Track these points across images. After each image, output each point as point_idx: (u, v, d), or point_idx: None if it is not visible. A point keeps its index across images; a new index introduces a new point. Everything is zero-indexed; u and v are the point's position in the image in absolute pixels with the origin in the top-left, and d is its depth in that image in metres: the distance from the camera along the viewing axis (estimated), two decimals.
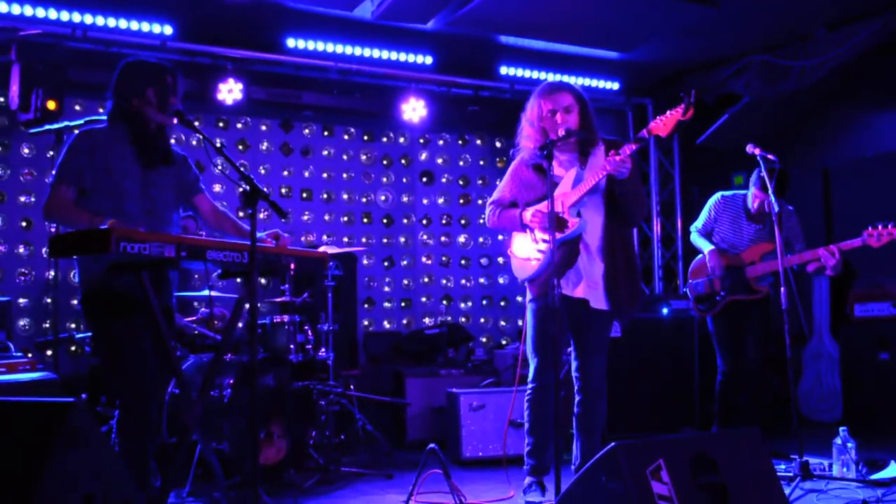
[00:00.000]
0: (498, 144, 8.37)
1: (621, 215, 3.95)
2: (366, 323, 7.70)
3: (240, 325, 4.54)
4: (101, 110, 6.47)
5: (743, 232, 5.26)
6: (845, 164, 7.29)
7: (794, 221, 5.19)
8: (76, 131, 3.52)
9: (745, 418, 5.23)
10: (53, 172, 3.42)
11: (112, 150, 3.43)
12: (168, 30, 6.01)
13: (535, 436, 4.01)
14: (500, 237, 7.90)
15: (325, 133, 7.74)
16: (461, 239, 8.19)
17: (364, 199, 7.85)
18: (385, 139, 7.97)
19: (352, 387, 6.05)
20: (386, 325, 7.83)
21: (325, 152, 7.72)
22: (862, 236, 4.69)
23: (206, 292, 5.55)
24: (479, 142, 8.36)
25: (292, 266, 3.85)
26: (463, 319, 8.08)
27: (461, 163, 8.26)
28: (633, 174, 3.81)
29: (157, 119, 3.50)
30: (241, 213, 6.95)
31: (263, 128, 7.48)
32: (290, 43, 6.37)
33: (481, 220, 4.11)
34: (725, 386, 5.32)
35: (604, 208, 3.92)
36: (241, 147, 7.35)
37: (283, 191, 7.50)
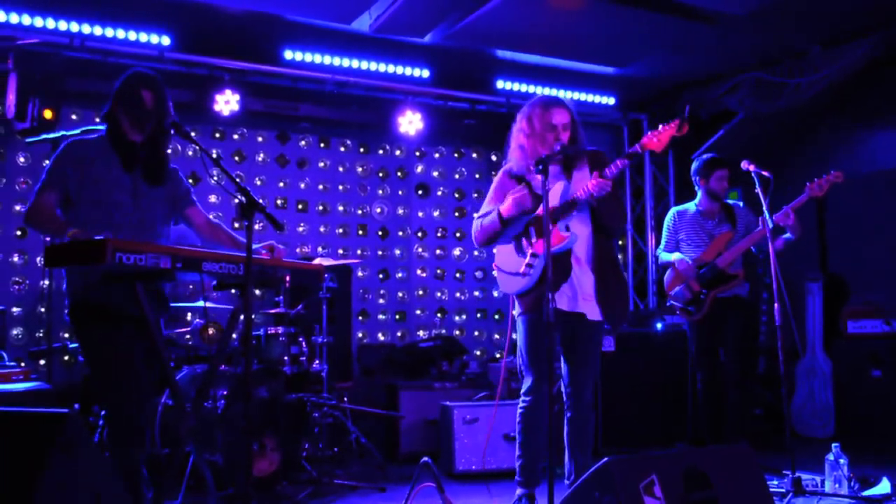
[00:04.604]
0: (494, 158, 8.39)
1: (604, 229, 4.02)
2: (360, 335, 7.69)
3: (234, 336, 4.54)
4: (97, 120, 6.48)
5: (703, 232, 5.54)
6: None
7: (746, 212, 5.55)
8: (67, 141, 3.50)
9: (730, 427, 5.37)
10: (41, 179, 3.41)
11: (101, 160, 3.41)
12: (166, 40, 6.02)
13: (527, 449, 4.01)
14: (495, 250, 7.89)
15: (322, 145, 7.75)
16: (456, 252, 8.20)
17: (360, 212, 7.85)
18: (381, 151, 7.98)
19: (345, 399, 6.05)
20: (380, 337, 7.82)
21: (322, 164, 7.72)
22: (805, 190, 5.01)
23: (200, 303, 5.55)
24: (474, 155, 8.37)
25: (287, 278, 3.86)
26: (457, 332, 8.07)
27: (457, 176, 8.28)
28: (611, 191, 3.86)
29: (130, 134, 3.44)
30: (236, 225, 6.95)
31: (260, 139, 7.48)
32: (288, 55, 6.38)
33: None
34: (705, 394, 5.53)
35: (590, 222, 3.99)
36: (237, 158, 7.35)
37: (279, 202, 7.50)
